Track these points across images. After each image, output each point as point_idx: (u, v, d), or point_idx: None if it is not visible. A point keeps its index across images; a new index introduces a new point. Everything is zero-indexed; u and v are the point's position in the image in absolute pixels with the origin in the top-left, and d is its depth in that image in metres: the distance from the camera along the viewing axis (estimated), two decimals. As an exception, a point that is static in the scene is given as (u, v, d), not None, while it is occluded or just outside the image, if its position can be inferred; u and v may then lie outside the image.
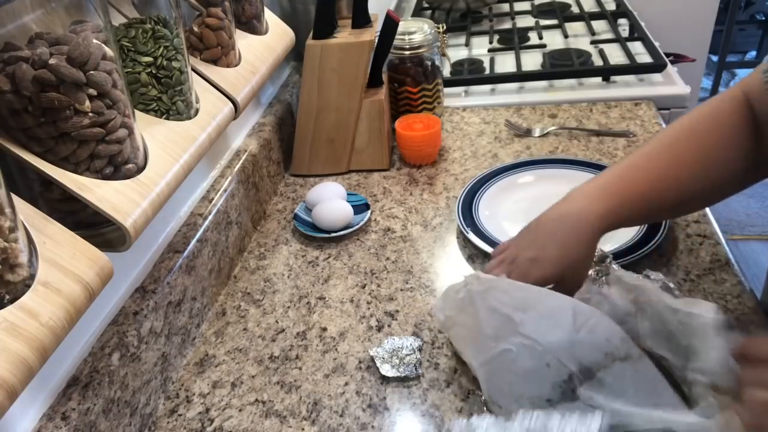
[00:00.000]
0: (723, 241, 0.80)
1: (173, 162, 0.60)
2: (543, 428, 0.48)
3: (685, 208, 0.71)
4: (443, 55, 1.22)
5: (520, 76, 1.27)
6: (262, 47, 0.88)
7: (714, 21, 2.10)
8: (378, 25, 1.05)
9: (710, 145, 0.62)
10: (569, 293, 0.60)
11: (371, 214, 0.94)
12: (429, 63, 1.11)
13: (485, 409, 0.58)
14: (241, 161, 0.92)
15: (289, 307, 0.79)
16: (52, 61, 0.46)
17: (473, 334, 0.59)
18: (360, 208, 0.93)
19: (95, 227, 0.55)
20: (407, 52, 1.09)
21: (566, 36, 1.44)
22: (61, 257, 0.46)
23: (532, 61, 1.34)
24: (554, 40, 1.44)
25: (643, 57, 1.28)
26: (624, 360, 0.54)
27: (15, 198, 0.44)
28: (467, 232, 0.84)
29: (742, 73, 3.64)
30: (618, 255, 0.75)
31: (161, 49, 0.61)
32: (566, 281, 0.60)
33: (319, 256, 0.87)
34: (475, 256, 0.83)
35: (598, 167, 0.94)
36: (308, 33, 1.02)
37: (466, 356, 0.62)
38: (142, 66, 0.61)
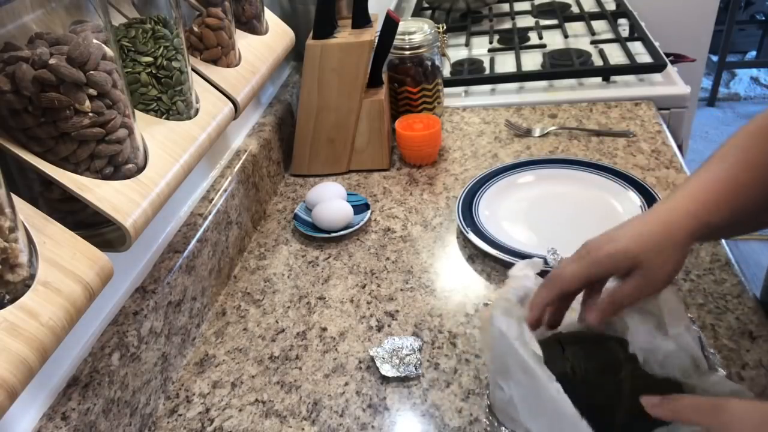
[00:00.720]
0: (723, 241, 0.80)
1: (173, 162, 0.60)
2: None
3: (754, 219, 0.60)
4: (443, 55, 1.22)
5: (520, 76, 1.27)
6: (262, 47, 0.88)
7: (714, 21, 2.10)
8: (378, 25, 1.05)
9: None
10: (653, 287, 0.53)
11: (371, 214, 0.94)
12: (429, 63, 1.11)
13: (488, 410, 0.57)
14: (241, 161, 0.92)
15: (289, 307, 0.79)
16: (52, 61, 0.46)
17: (490, 353, 0.56)
18: (360, 208, 0.93)
19: (95, 227, 0.55)
20: (407, 52, 1.09)
21: (566, 36, 1.44)
22: (61, 257, 0.46)
23: (532, 61, 1.34)
24: (554, 40, 1.44)
25: (643, 57, 1.28)
26: None
27: (15, 198, 0.44)
28: (467, 232, 0.84)
29: (742, 73, 3.64)
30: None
31: (161, 49, 0.61)
32: (649, 265, 0.52)
33: (319, 256, 0.87)
34: (475, 256, 0.83)
35: (598, 167, 0.94)
36: (308, 33, 1.02)
37: (485, 358, 0.60)
38: (142, 66, 0.61)
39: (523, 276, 0.58)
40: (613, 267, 0.53)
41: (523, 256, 0.78)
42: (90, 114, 0.49)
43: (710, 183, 0.55)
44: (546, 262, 0.65)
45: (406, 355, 0.68)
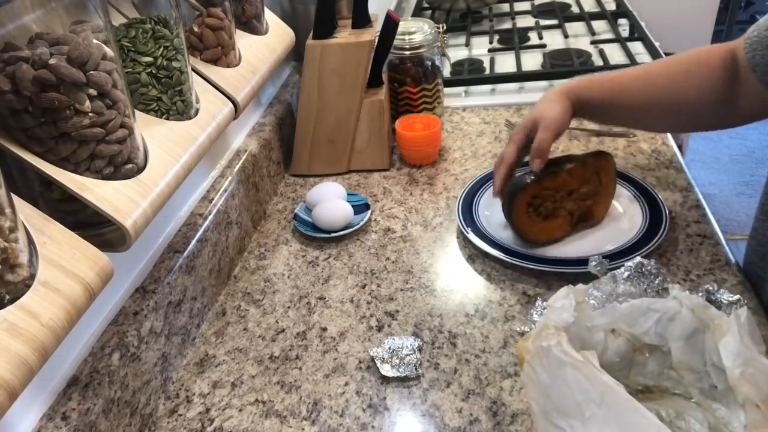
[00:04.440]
0: (723, 241, 0.80)
1: (173, 162, 0.60)
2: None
3: (649, 115, 0.82)
4: (443, 55, 1.22)
5: (520, 76, 1.27)
6: (262, 47, 0.88)
7: (714, 21, 2.10)
8: (378, 25, 1.05)
9: (683, 64, 0.78)
10: (551, 129, 0.76)
11: (371, 214, 0.94)
12: (429, 63, 1.11)
13: None
14: (241, 161, 0.92)
15: (289, 307, 0.79)
16: (52, 61, 0.46)
17: (539, 388, 0.51)
18: (360, 208, 0.93)
19: (95, 227, 0.55)
20: (407, 52, 1.09)
21: (566, 36, 1.44)
22: (62, 257, 0.46)
23: (532, 61, 1.34)
24: (554, 40, 1.44)
25: (643, 57, 1.28)
26: None
27: (15, 198, 0.44)
28: (467, 232, 0.84)
29: (742, 73, 3.64)
30: (618, 255, 0.75)
31: (161, 49, 0.61)
32: (543, 115, 0.78)
33: (319, 256, 0.87)
34: (475, 256, 0.83)
35: (598, 167, 0.94)
36: (308, 33, 1.02)
37: (528, 396, 0.54)
38: (142, 66, 0.61)
39: (561, 307, 0.54)
40: (527, 129, 0.80)
41: (523, 256, 0.78)
42: (90, 114, 0.49)
43: (602, 75, 0.83)
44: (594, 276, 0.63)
45: (406, 355, 0.68)
